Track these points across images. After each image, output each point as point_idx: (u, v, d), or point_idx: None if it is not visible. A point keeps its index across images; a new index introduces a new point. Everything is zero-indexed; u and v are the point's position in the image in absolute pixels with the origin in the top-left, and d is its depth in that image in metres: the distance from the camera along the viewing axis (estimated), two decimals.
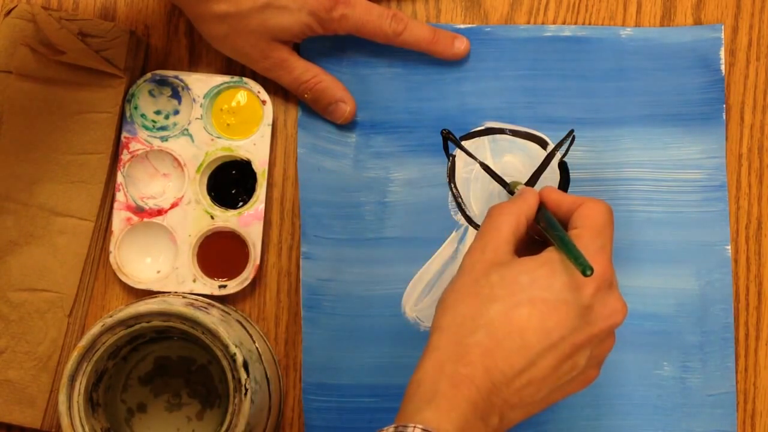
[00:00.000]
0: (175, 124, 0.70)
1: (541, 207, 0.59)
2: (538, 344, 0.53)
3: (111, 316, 0.61)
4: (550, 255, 0.55)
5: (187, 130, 0.69)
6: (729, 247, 0.68)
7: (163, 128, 0.70)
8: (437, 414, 0.51)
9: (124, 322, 0.61)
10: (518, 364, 0.52)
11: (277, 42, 0.67)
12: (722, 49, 0.69)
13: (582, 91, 0.69)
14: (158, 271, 0.69)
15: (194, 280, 0.68)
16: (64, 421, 0.60)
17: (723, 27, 0.70)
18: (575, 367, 0.54)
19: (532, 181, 0.69)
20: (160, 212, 0.69)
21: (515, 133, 0.69)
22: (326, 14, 0.65)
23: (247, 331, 0.64)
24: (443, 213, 0.69)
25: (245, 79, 0.69)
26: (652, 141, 0.69)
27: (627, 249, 0.68)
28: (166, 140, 0.69)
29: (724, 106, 0.69)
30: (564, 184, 0.69)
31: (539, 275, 0.54)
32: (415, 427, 0.50)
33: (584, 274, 0.51)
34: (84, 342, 0.60)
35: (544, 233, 0.57)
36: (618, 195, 0.69)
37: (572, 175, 0.69)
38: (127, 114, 0.69)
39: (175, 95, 0.70)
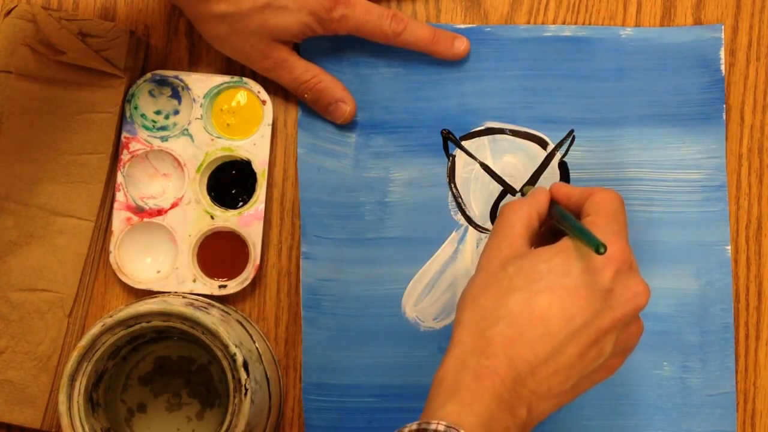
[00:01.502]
0: (175, 124, 0.70)
1: (553, 202, 0.59)
2: (560, 331, 0.52)
3: (111, 316, 0.61)
4: (566, 243, 0.55)
5: (187, 130, 0.69)
6: (729, 247, 0.68)
7: (163, 128, 0.70)
8: (460, 408, 0.51)
9: (124, 322, 0.61)
10: (542, 353, 0.52)
11: (277, 42, 0.67)
12: (722, 49, 0.69)
13: (582, 91, 0.69)
14: (158, 271, 0.69)
15: (194, 280, 0.68)
16: (64, 421, 0.60)
17: (723, 27, 0.70)
18: (601, 353, 0.54)
19: (532, 181, 0.69)
20: (160, 212, 0.69)
21: (515, 133, 0.69)
22: (326, 14, 0.65)
23: (247, 331, 0.64)
24: (443, 213, 0.69)
25: (245, 79, 0.69)
26: (652, 141, 0.69)
27: None
28: (166, 140, 0.69)
29: (724, 106, 0.69)
30: None
31: (556, 262, 0.54)
32: (438, 423, 0.50)
33: (597, 251, 0.51)
34: (84, 342, 0.60)
35: (557, 227, 0.58)
36: None
37: (572, 175, 0.69)
38: (127, 114, 0.69)
39: (175, 95, 0.70)
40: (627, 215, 0.68)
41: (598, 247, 0.51)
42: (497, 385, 0.51)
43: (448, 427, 0.49)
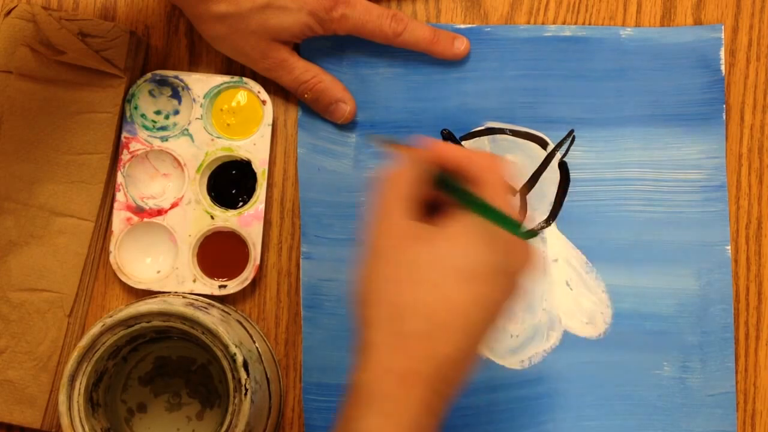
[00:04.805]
0: (175, 124, 0.70)
1: (438, 174, 0.54)
2: (477, 318, 0.50)
3: (111, 316, 0.61)
4: (467, 220, 0.51)
5: (187, 130, 0.69)
6: (729, 247, 0.68)
7: (163, 128, 0.70)
8: (386, 419, 0.48)
9: (124, 322, 0.61)
10: (463, 343, 0.50)
11: (277, 42, 0.67)
12: (722, 49, 0.69)
13: (582, 91, 0.69)
14: (158, 271, 0.69)
15: (194, 280, 0.68)
16: (64, 421, 0.60)
17: (723, 27, 0.70)
18: (507, 314, 0.53)
19: (532, 181, 0.69)
20: (160, 212, 0.69)
21: (515, 133, 0.69)
22: (326, 14, 0.65)
23: (247, 331, 0.64)
24: None
25: (245, 79, 0.69)
26: (652, 141, 0.69)
27: (627, 249, 0.68)
28: (166, 140, 0.69)
29: (724, 106, 0.69)
30: (564, 184, 0.69)
31: (460, 245, 0.51)
32: None
33: (515, 233, 0.50)
34: (84, 342, 0.60)
35: (445, 196, 0.54)
36: (618, 195, 0.69)
37: (572, 175, 0.69)
38: (127, 114, 0.69)
39: (175, 95, 0.70)
40: (626, 216, 0.68)
41: (516, 229, 0.50)
42: (422, 390, 0.49)
43: None
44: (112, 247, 0.68)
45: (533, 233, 0.50)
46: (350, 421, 0.49)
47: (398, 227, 0.52)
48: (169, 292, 0.68)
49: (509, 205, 0.52)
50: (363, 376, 0.50)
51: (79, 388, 0.60)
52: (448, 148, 0.55)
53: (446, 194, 0.54)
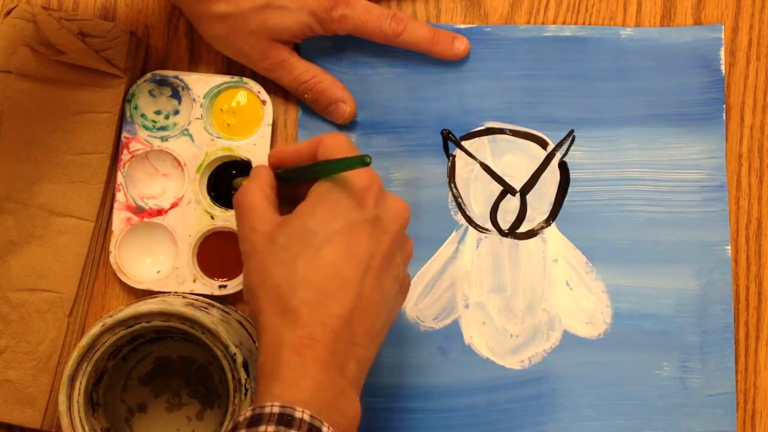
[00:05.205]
0: (175, 124, 0.70)
1: (279, 171, 0.59)
2: (355, 273, 0.52)
3: (111, 316, 0.61)
4: (317, 192, 0.55)
5: (187, 130, 0.69)
6: (729, 247, 0.68)
7: (163, 128, 0.70)
8: (288, 386, 0.49)
9: (124, 322, 0.61)
10: (348, 301, 0.52)
11: (277, 42, 0.67)
12: (722, 49, 0.69)
13: (582, 91, 0.69)
14: (158, 271, 0.69)
15: (194, 280, 0.68)
16: (64, 421, 0.60)
17: (723, 27, 0.70)
18: (396, 276, 0.55)
19: (532, 181, 0.69)
20: (160, 212, 0.69)
21: (515, 133, 0.69)
22: (326, 14, 0.65)
23: (247, 331, 0.64)
24: (443, 213, 0.69)
25: (245, 79, 0.69)
26: (652, 141, 0.69)
27: (627, 249, 0.68)
28: (166, 140, 0.69)
29: (724, 106, 0.69)
30: (564, 184, 0.69)
31: (320, 213, 0.53)
32: (272, 405, 0.48)
33: (365, 163, 0.52)
34: (84, 342, 0.60)
35: (300, 184, 0.57)
36: (618, 195, 0.69)
37: (572, 175, 0.69)
38: (127, 114, 0.69)
39: (175, 95, 0.70)
40: (626, 216, 0.68)
41: (363, 159, 0.51)
42: (319, 352, 0.50)
43: (282, 407, 0.48)
44: (112, 247, 0.68)
45: (368, 159, 0.52)
46: (260, 396, 0.50)
47: (265, 223, 0.55)
48: (169, 292, 0.68)
49: (351, 151, 0.55)
50: (262, 357, 0.52)
51: (79, 388, 0.60)
52: (279, 148, 0.60)
53: (295, 181, 0.58)
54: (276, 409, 0.48)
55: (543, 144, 0.69)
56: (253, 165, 0.68)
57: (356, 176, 0.54)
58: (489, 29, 0.70)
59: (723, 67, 0.69)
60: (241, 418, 0.49)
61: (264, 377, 0.51)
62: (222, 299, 0.68)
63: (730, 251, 0.68)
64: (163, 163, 0.70)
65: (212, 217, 0.68)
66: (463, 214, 0.69)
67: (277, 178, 0.59)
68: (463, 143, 0.69)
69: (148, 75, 0.69)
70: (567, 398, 0.67)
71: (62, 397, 0.60)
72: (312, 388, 0.50)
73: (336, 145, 0.56)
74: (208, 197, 0.69)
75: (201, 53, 0.71)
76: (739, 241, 0.69)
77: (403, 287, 0.57)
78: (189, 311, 0.60)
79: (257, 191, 0.57)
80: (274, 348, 0.51)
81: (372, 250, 0.53)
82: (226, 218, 0.68)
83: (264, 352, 0.52)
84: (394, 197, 0.56)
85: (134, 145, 0.69)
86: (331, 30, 0.67)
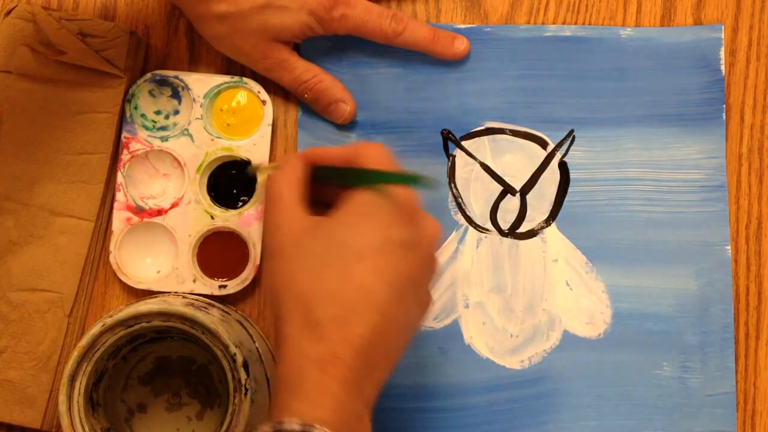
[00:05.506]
0: (175, 124, 0.70)
1: (316, 167, 0.57)
2: (384, 295, 0.51)
3: (111, 316, 0.61)
4: (357, 199, 0.53)
5: (187, 130, 0.69)
6: (729, 247, 0.68)
7: (163, 128, 0.70)
8: (309, 403, 0.48)
9: (124, 322, 0.61)
10: (374, 321, 0.50)
11: (277, 42, 0.67)
12: (722, 49, 0.69)
13: (582, 91, 0.69)
14: (158, 271, 0.69)
15: (194, 280, 0.68)
16: (64, 421, 0.60)
17: (723, 27, 0.70)
18: (422, 300, 0.54)
19: (532, 181, 0.69)
20: (160, 212, 0.69)
21: (515, 133, 0.69)
22: (326, 14, 0.65)
23: (247, 331, 0.64)
24: (443, 213, 0.69)
25: (245, 79, 0.69)
26: (652, 141, 0.69)
27: (627, 249, 0.68)
28: (166, 140, 0.69)
29: (724, 106, 0.69)
30: (564, 184, 0.69)
31: (355, 225, 0.52)
32: (292, 421, 0.47)
33: (423, 185, 0.51)
34: (84, 342, 0.60)
35: (335, 185, 0.56)
36: (618, 195, 0.69)
37: (572, 175, 0.69)
38: (127, 114, 0.69)
39: (175, 95, 0.70)
40: (626, 216, 0.68)
41: (418, 181, 0.50)
42: (341, 370, 0.49)
43: (303, 424, 0.47)
44: (112, 247, 0.68)
45: (429, 182, 0.51)
46: (278, 410, 0.49)
47: (293, 222, 0.53)
48: (169, 292, 0.68)
49: (396, 167, 0.54)
50: (283, 368, 0.51)
51: (79, 388, 0.60)
52: (320, 148, 0.58)
53: (331, 183, 0.56)
54: (296, 427, 0.47)
55: (543, 144, 0.69)
56: (253, 164, 0.68)
57: (399, 193, 0.53)
58: (489, 29, 0.70)
59: (723, 67, 0.69)
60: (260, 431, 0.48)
61: (284, 390, 0.50)
62: (222, 299, 0.68)
63: (730, 251, 0.68)
64: (163, 163, 0.70)
65: (212, 217, 0.68)
66: (463, 214, 0.69)
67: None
68: (463, 143, 0.69)
69: (148, 75, 0.69)
70: (567, 398, 0.67)
71: (62, 397, 0.60)
72: (332, 407, 0.49)
73: (379, 156, 0.55)
74: (208, 197, 0.69)
75: (201, 53, 0.71)
76: (739, 241, 0.69)
77: (425, 308, 0.56)
78: (189, 311, 0.60)
79: (289, 183, 0.55)
80: (296, 361, 0.50)
81: (404, 273, 0.52)
82: (226, 218, 0.68)
83: (284, 363, 0.51)
84: (429, 218, 0.54)
85: (134, 145, 0.69)
86: (331, 30, 0.67)
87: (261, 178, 0.60)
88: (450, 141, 0.69)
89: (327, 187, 0.57)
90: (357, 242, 0.52)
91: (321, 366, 0.49)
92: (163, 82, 0.70)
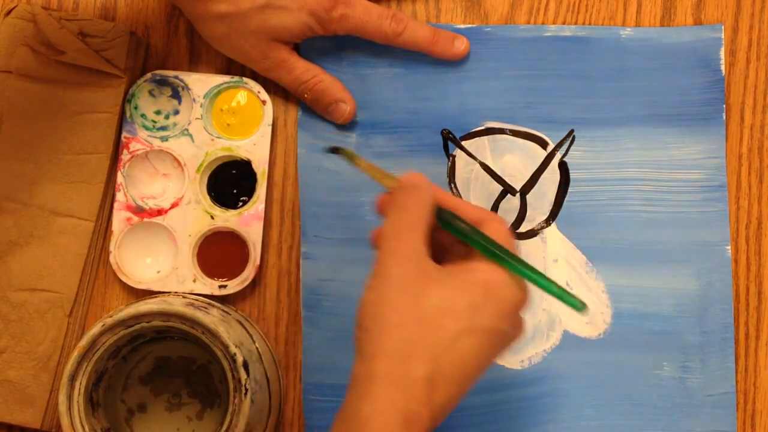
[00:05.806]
0: (175, 124, 0.70)
1: (444, 210, 0.55)
2: (474, 373, 0.52)
3: (111, 316, 0.61)
4: (488, 274, 0.53)
5: (187, 130, 0.69)
6: (729, 247, 0.68)
7: (163, 128, 0.70)
8: None
9: (124, 322, 0.61)
10: (455, 393, 0.51)
11: (277, 42, 0.67)
12: (722, 49, 0.69)
13: (582, 91, 0.69)
14: (158, 271, 0.69)
15: (194, 280, 0.68)
16: (64, 421, 0.60)
17: (723, 27, 0.70)
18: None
19: (532, 181, 0.69)
20: (160, 212, 0.69)
21: (515, 133, 0.69)
22: (326, 14, 0.65)
23: (247, 331, 0.64)
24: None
25: (245, 79, 0.69)
26: (652, 141, 0.69)
27: (627, 249, 0.68)
28: (166, 140, 0.69)
29: (724, 106, 0.69)
30: (564, 184, 0.69)
31: (476, 299, 0.52)
32: None
33: (579, 310, 0.52)
34: (84, 342, 0.60)
35: (449, 235, 0.55)
36: (618, 195, 0.69)
37: (572, 175, 0.69)
38: (127, 114, 0.69)
39: (175, 95, 0.70)
40: (626, 216, 0.69)
41: (580, 307, 0.52)
42: (419, 429, 0.49)
43: None
44: (112, 247, 0.68)
45: (583, 307, 0.52)
46: None
47: (411, 259, 0.52)
48: (169, 292, 0.68)
49: (512, 245, 0.54)
50: (367, 408, 0.50)
51: (79, 388, 0.60)
52: (447, 193, 0.56)
53: (450, 231, 0.54)
54: None
55: (543, 144, 0.69)
56: (254, 165, 0.68)
57: (523, 287, 0.53)
58: (489, 29, 0.70)
59: (723, 67, 0.69)
60: None
61: (367, 429, 0.49)
62: (222, 299, 0.68)
63: (730, 251, 0.68)
64: (163, 163, 0.70)
65: (212, 217, 0.68)
66: None
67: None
68: (463, 143, 0.69)
69: (148, 75, 0.69)
70: (567, 398, 0.67)
71: (62, 397, 0.60)
72: None
73: (500, 231, 0.54)
74: (208, 197, 0.69)
75: (201, 53, 0.71)
76: (739, 241, 0.69)
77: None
78: (189, 311, 0.60)
79: (426, 210, 0.53)
80: (383, 406, 0.49)
81: (492, 358, 0.53)
82: (226, 218, 0.68)
83: (369, 401, 0.50)
84: (522, 317, 0.55)
85: (134, 145, 0.69)
86: (331, 30, 0.67)
87: (355, 166, 0.58)
88: (450, 141, 0.69)
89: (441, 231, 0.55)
90: (468, 315, 0.51)
91: (406, 422, 0.49)
92: (163, 82, 0.70)
